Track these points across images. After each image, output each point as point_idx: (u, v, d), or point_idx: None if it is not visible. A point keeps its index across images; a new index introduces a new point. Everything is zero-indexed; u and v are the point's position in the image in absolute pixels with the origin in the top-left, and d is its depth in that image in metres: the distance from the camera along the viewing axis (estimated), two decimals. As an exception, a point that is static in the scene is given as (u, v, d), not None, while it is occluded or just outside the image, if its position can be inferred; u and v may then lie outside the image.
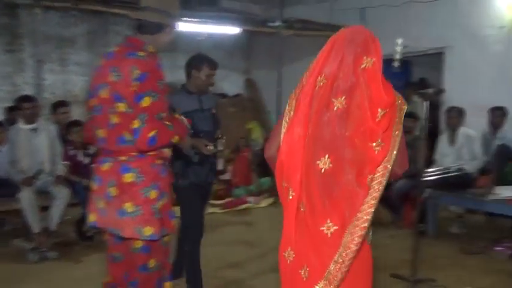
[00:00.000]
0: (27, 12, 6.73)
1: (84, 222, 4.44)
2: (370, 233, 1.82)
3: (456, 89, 6.53)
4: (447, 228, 5.45)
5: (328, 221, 1.67)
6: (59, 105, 5.70)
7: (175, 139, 2.48)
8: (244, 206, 6.69)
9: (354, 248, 1.66)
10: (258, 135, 8.85)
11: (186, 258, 3.56)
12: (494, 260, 4.54)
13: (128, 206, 2.36)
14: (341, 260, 1.67)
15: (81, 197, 4.74)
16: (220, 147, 3.42)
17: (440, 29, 6.73)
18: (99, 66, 2.50)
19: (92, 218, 2.49)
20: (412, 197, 4.57)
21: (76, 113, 6.14)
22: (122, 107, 2.33)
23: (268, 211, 6.62)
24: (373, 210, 1.67)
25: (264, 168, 7.98)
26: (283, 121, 1.81)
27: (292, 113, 1.79)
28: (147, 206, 2.38)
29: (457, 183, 4.74)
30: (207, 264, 3.99)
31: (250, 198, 6.91)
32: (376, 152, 1.65)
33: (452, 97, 6.45)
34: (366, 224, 1.66)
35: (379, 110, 1.65)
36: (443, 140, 5.55)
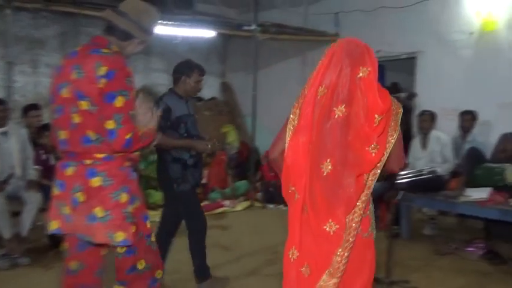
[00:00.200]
0: (-3, 13, 6.59)
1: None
2: (375, 231, 2.01)
3: (428, 93, 6.67)
4: (420, 230, 5.54)
5: (330, 220, 1.83)
6: (30, 108, 5.55)
7: (145, 143, 2.40)
8: (220, 209, 6.66)
9: (350, 239, 1.84)
10: (233, 139, 8.84)
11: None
12: (467, 260, 4.63)
13: (98, 211, 2.26)
14: (342, 253, 1.84)
15: (53, 202, 4.63)
16: (218, 147, 3.59)
17: (413, 34, 6.83)
18: (59, 66, 2.41)
19: (55, 225, 2.37)
20: (386, 200, 4.62)
21: (47, 116, 6.00)
22: (84, 104, 2.24)
23: (244, 215, 6.61)
24: (364, 205, 1.88)
25: (239, 171, 7.98)
26: (287, 128, 1.95)
27: (296, 121, 1.92)
28: (117, 210, 2.28)
29: (430, 185, 4.81)
30: (182, 269, 3.96)
31: (226, 202, 6.90)
32: (373, 154, 1.80)
33: (424, 101, 6.58)
34: (359, 219, 1.86)
35: (376, 116, 1.80)
36: (415, 144, 5.63)
